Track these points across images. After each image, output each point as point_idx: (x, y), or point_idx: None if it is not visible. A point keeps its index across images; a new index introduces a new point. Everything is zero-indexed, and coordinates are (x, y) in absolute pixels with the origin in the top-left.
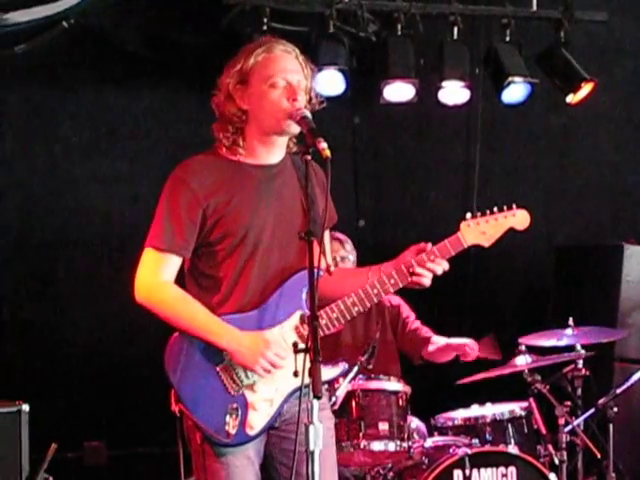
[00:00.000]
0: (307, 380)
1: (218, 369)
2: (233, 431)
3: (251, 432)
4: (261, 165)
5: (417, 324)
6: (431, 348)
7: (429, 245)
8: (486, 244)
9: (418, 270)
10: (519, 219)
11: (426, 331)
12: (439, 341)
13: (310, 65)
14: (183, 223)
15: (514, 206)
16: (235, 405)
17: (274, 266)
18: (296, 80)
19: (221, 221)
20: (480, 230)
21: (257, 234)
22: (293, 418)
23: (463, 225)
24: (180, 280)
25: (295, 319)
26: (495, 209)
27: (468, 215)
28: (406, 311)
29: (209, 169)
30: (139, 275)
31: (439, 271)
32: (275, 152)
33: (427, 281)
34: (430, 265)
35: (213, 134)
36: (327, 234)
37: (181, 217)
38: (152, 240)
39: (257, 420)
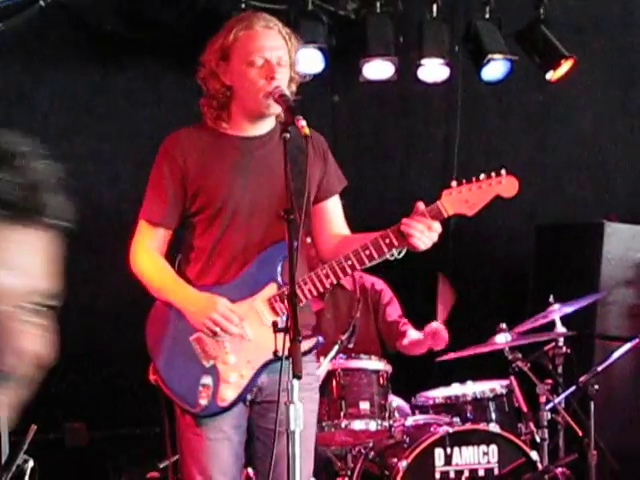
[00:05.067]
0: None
1: (191, 339)
2: (204, 402)
3: (222, 403)
4: (245, 137)
5: (395, 316)
6: (405, 342)
7: (420, 203)
8: (469, 213)
9: (408, 229)
10: (506, 186)
11: (404, 324)
12: (413, 335)
13: (295, 37)
14: (166, 194)
15: (503, 172)
16: (207, 376)
17: (254, 236)
18: (275, 57)
19: (200, 191)
20: (462, 198)
21: (235, 205)
22: (273, 395)
23: (445, 193)
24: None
25: (268, 291)
26: (482, 175)
27: (453, 183)
28: (388, 297)
29: (192, 139)
30: (132, 246)
31: (425, 232)
32: (262, 124)
33: (419, 242)
34: (418, 224)
35: (200, 109)
36: (334, 202)
37: (164, 188)
38: (141, 212)
39: (228, 392)
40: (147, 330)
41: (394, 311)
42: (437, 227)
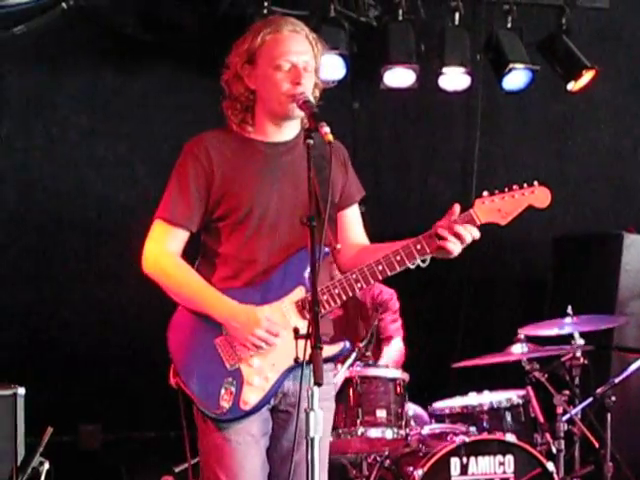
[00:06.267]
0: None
1: (215, 342)
2: (227, 405)
3: (245, 407)
4: (271, 142)
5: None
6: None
7: (456, 205)
8: (502, 222)
9: (443, 233)
10: (539, 196)
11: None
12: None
13: (321, 43)
14: (190, 195)
15: (535, 183)
16: (230, 379)
17: (281, 242)
18: (302, 62)
19: (226, 196)
20: (495, 207)
21: (262, 210)
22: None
23: (477, 202)
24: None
25: (296, 294)
26: (515, 186)
27: (485, 193)
28: (391, 311)
29: (218, 143)
30: (146, 246)
31: (467, 237)
32: (287, 130)
33: (454, 247)
34: (458, 229)
35: (223, 111)
36: (354, 211)
37: (189, 189)
38: (160, 212)
39: (252, 395)
40: (169, 334)
41: (395, 330)
42: (476, 232)
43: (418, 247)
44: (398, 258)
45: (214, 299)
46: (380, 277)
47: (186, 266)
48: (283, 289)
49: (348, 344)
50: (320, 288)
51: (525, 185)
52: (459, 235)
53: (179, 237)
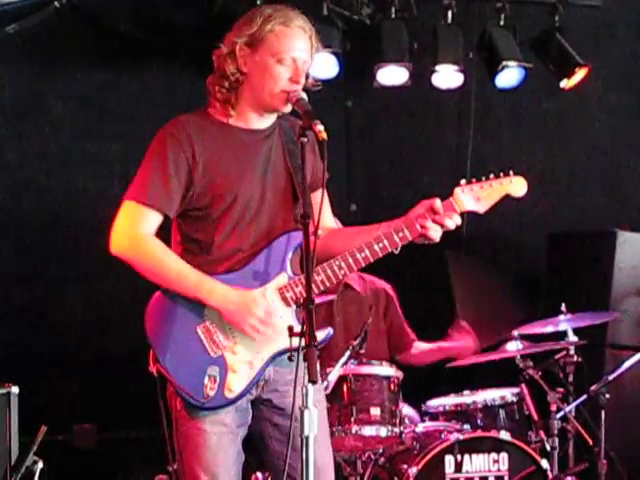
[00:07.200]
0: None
1: (198, 329)
2: (211, 393)
3: (230, 395)
4: (251, 129)
5: (404, 324)
6: (415, 351)
7: (437, 200)
8: (481, 210)
9: (427, 223)
10: (515, 186)
11: (410, 333)
12: (423, 346)
13: (317, 45)
14: (169, 179)
15: (511, 172)
16: (214, 367)
17: (262, 228)
18: (302, 61)
19: (210, 184)
20: (474, 196)
21: (246, 198)
22: (284, 392)
23: (457, 191)
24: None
25: (279, 281)
26: (491, 175)
27: (462, 181)
28: (398, 305)
29: (200, 129)
30: (118, 226)
31: (451, 225)
32: (266, 119)
33: (436, 235)
34: (440, 218)
35: (207, 87)
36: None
37: (168, 172)
38: (135, 193)
39: (236, 383)
40: (147, 320)
41: (402, 320)
42: (457, 219)
43: (400, 235)
44: (381, 245)
45: (209, 285)
46: (363, 264)
47: (170, 251)
48: (266, 275)
49: (331, 331)
50: (302, 276)
51: (501, 174)
52: (442, 224)
53: (153, 220)
